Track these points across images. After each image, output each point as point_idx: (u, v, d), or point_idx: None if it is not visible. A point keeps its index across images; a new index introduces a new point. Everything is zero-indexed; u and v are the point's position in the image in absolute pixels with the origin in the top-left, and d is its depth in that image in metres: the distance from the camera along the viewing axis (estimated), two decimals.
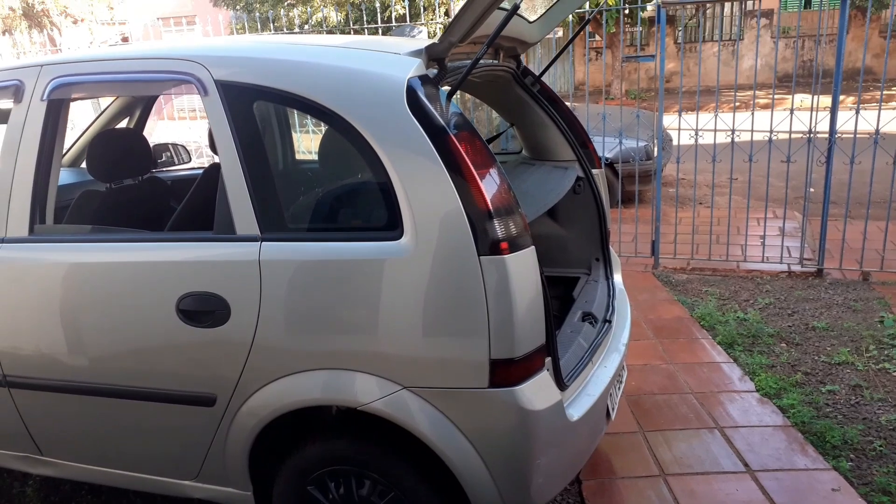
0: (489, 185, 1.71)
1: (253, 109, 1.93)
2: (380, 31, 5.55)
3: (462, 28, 1.83)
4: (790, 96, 4.78)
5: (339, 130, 1.84)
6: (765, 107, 11.95)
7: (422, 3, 5.06)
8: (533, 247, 1.76)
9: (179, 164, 3.78)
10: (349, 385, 1.82)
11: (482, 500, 1.82)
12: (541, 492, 1.86)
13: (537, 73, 2.79)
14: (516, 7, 1.80)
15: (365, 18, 5.29)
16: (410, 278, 1.72)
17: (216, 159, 2.65)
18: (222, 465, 2.05)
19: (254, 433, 1.95)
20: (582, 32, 2.90)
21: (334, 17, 7.15)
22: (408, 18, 5.25)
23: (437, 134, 1.70)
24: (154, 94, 3.46)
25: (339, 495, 1.97)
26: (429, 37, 3.25)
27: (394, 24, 5.36)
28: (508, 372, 1.72)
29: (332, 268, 1.78)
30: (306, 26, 9.90)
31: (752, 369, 3.32)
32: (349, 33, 6.63)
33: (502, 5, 2.01)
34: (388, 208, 1.75)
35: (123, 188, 2.62)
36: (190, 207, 2.49)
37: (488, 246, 1.67)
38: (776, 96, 9.29)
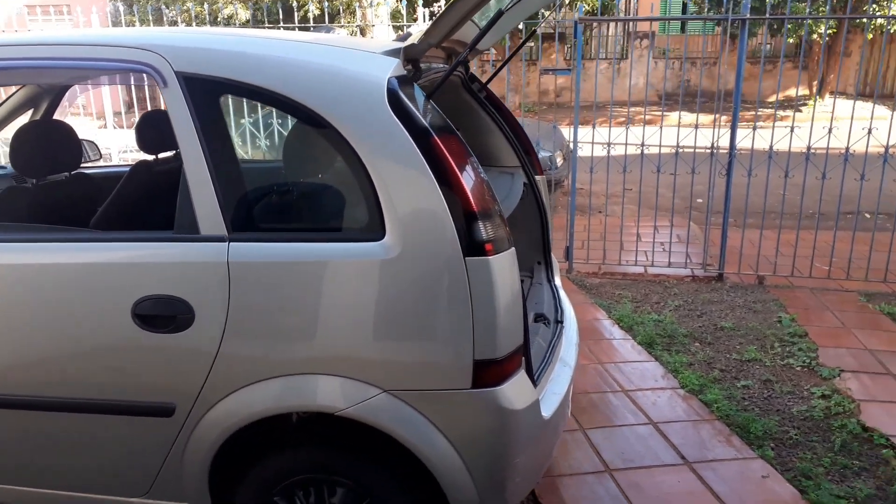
0: (471, 186, 1.72)
1: (219, 103, 1.85)
2: (296, 30, 5.42)
3: (442, 31, 1.84)
4: (672, 113, 5.14)
5: (314, 128, 1.79)
6: (651, 122, 12.71)
7: (340, 5, 5.00)
8: (513, 248, 1.78)
9: (88, 160, 3.53)
10: (326, 390, 1.76)
11: (461, 501, 1.82)
12: (516, 491, 1.88)
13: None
14: (501, 13, 1.83)
15: (281, 16, 5.15)
16: (393, 280, 1.70)
17: (129, 158, 2.51)
18: (178, 480, 1.92)
19: (217, 444, 1.85)
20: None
21: (242, 14, 6.93)
22: (326, 19, 5.17)
23: (419, 134, 1.69)
24: (97, 83, 3.21)
25: None
26: (349, 35, 3.21)
27: (311, 24, 5.26)
28: (491, 372, 1.73)
29: (311, 269, 1.73)
30: (199, 21, 9.49)
31: (673, 367, 3.52)
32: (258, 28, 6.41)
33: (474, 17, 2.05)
34: (369, 208, 1.72)
35: (52, 184, 2.42)
36: (115, 205, 2.33)
37: (474, 247, 1.67)
38: (659, 113, 9.87)
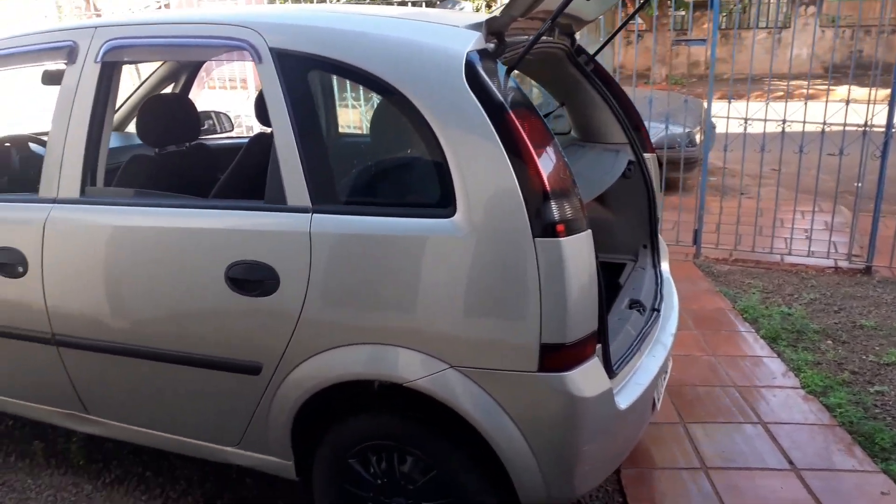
0: (547, 165, 1.66)
1: (307, 79, 1.90)
2: (423, 4, 5.47)
3: (525, 2, 1.77)
4: (839, 87, 4.65)
5: (394, 103, 1.80)
6: (812, 97, 11.60)
7: None
8: (589, 231, 1.71)
9: (221, 132, 3.79)
10: (395, 361, 1.79)
11: (526, 484, 1.79)
12: (585, 479, 1.83)
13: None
14: None
15: None
16: (461, 257, 1.68)
17: (257, 129, 2.62)
18: (265, 434, 2.05)
19: (297, 404, 1.94)
20: (625, 14, 2.82)
21: None
22: None
23: (495, 110, 1.65)
24: (207, 60, 3.45)
25: (381, 470, 1.96)
26: (474, 11, 3.16)
27: None
28: (559, 357, 1.68)
29: (383, 242, 1.75)
30: None
31: (796, 365, 3.24)
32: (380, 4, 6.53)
33: None
34: (441, 185, 1.72)
35: (171, 154, 2.62)
36: (235, 176, 2.47)
37: (544, 228, 1.62)
38: (823, 86, 8.98)
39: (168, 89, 3.54)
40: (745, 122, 4.62)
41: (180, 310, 2.01)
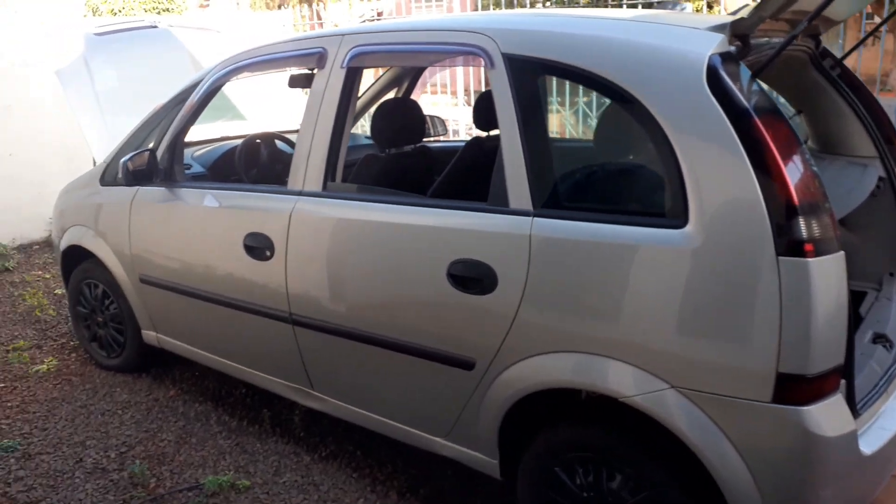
0: (794, 176, 1.53)
1: (536, 83, 1.92)
2: (639, 6, 5.30)
3: (776, 2, 1.65)
4: None
5: (627, 108, 1.76)
6: None
7: None
8: (842, 252, 1.55)
9: (436, 135, 3.95)
10: (611, 374, 1.75)
11: None
12: None
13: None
14: None
15: None
16: (692, 271, 1.61)
17: (474, 133, 2.68)
18: (474, 430, 2.10)
19: (508, 404, 1.97)
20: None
21: None
22: None
23: (738, 116, 1.56)
24: (440, 64, 3.61)
25: (587, 482, 1.92)
26: (695, 12, 2.98)
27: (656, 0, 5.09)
28: (797, 389, 1.55)
29: (607, 251, 1.72)
30: (550, 2, 9.83)
31: None
32: (602, 7, 6.42)
33: None
34: (673, 193, 1.65)
35: (399, 155, 2.79)
36: (451, 177, 2.56)
37: (789, 246, 1.50)
38: None
39: (391, 94, 3.77)
40: None
41: (403, 300, 2.13)
